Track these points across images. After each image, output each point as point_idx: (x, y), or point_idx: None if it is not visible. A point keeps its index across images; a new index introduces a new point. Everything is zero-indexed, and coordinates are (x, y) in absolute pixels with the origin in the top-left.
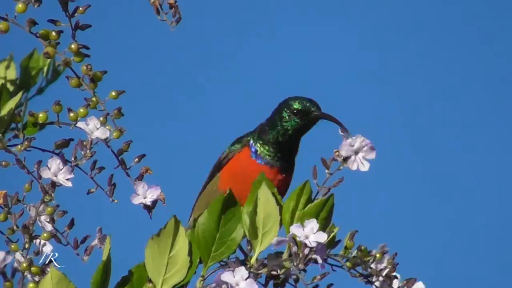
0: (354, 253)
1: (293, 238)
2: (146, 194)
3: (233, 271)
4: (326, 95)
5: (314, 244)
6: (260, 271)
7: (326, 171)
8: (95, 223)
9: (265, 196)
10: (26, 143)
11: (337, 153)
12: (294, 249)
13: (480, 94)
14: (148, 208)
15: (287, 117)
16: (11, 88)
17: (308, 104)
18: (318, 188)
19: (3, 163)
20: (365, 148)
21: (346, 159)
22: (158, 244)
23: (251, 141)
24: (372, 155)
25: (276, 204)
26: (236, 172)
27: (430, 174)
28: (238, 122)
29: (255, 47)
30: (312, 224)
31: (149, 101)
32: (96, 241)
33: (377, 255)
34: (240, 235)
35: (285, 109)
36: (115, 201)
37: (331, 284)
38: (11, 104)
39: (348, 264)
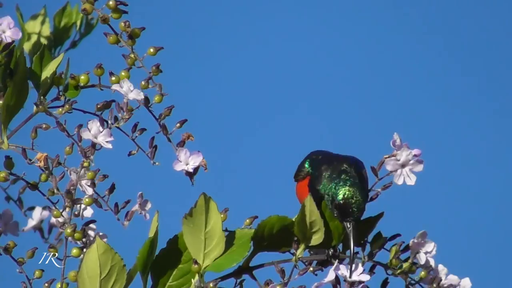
0: (398, 271)
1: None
2: (188, 160)
3: None
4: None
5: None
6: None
7: (376, 177)
8: (137, 188)
9: (310, 205)
10: (67, 106)
11: (385, 166)
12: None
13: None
14: (190, 174)
15: (326, 199)
16: (45, 43)
17: (349, 207)
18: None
19: (44, 126)
20: (411, 161)
21: (392, 172)
22: (193, 222)
23: (311, 176)
24: (420, 168)
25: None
26: (298, 194)
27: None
28: (283, 86)
29: None
30: (359, 268)
31: (189, 61)
32: (136, 206)
33: (422, 273)
34: None
35: (332, 190)
36: (156, 163)
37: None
38: (53, 66)
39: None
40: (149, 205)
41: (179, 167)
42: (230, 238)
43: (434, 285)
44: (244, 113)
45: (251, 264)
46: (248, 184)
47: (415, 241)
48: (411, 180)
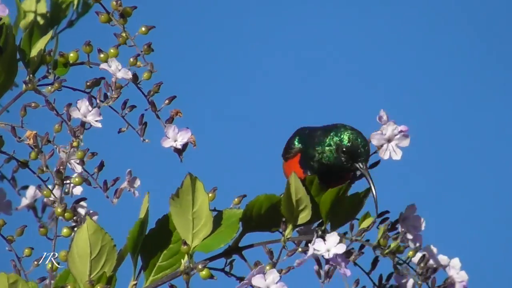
0: (386, 251)
1: (314, 255)
2: (176, 137)
3: (264, 274)
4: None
5: (332, 256)
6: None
7: None
8: (125, 165)
9: (295, 183)
10: (56, 84)
11: (371, 140)
12: (315, 268)
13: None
14: (179, 151)
15: (328, 152)
16: (41, 21)
17: (357, 147)
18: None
19: (33, 105)
20: (397, 136)
21: (378, 148)
22: (180, 203)
23: (302, 151)
24: (406, 143)
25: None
26: (287, 172)
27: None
28: (271, 67)
29: None
30: (333, 238)
31: (180, 39)
32: (125, 184)
33: (410, 253)
34: None
35: (333, 139)
36: (146, 140)
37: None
38: (41, 43)
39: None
40: (138, 182)
41: (168, 143)
42: (218, 218)
43: (422, 265)
44: (234, 89)
45: (240, 245)
46: (237, 162)
47: (404, 214)
48: (397, 155)
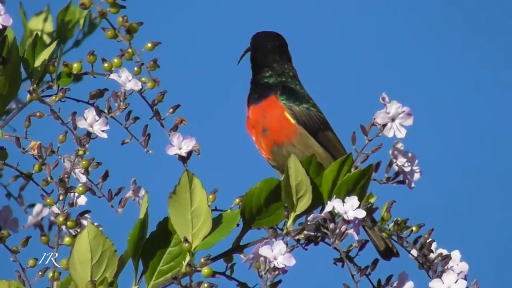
0: (391, 225)
1: (330, 213)
2: (181, 145)
3: (271, 244)
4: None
5: (352, 218)
6: (298, 236)
7: (365, 137)
8: (130, 175)
9: (294, 165)
10: (60, 93)
11: (375, 119)
12: (332, 225)
13: None
14: (183, 159)
15: None
16: (47, 40)
17: None
18: (356, 154)
19: (38, 114)
20: (401, 115)
21: (383, 126)
22: (178, 201)
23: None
24: (410, 121)
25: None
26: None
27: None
28: None
29: None
30: (353, 201)
31: (185, 52)
32: (130, 193)
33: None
34: None
35: None
36: (150, 151)
37: (367, 241)
38: (45, 54)
39: (384, 235)
40: (142, 192)
41: (172, 151)
42: (217, 220)
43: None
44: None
45: (242, 244)
46: (239, 165)
47: (394, 151)
48: (401, 133)
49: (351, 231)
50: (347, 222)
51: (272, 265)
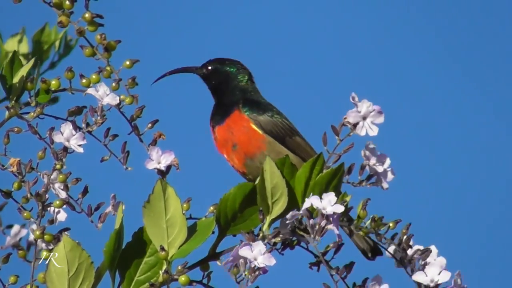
0: (368, 223)
1: (308, 211)
2: (160, 159)
3: (251, 245)
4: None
5: (330, 213)
6: (274, 240)
7: (336, 137)
8: (109, 190)
9: (270, 168)
10: (38, 109)
11: (346, 119)
12: (311, 221)
13: None
14: (162, 173)
15: None
16: (24, 62)
17: None
18: (328, 154)
19: (16, 129)
20: (372, 113)
21: (354, 125)
22: (152, 210)
23: None
24: (381, 119)
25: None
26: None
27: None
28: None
29: None
30: (330, 197)
31: (162, 68)
32: (110, 208)
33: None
34: None
35: None
36: (129, 168)
37: (342, 244)
38: (23, 71)
39: (361, 233)
40: (121, 207)
41: (151, 165)
42: (193, 228)
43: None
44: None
45: (218, 250)
46: (213, 174)
47: (366, 152)
48: (373, 131)
49: (331, 226)
50: (326, 218)
51: (252, 265)
